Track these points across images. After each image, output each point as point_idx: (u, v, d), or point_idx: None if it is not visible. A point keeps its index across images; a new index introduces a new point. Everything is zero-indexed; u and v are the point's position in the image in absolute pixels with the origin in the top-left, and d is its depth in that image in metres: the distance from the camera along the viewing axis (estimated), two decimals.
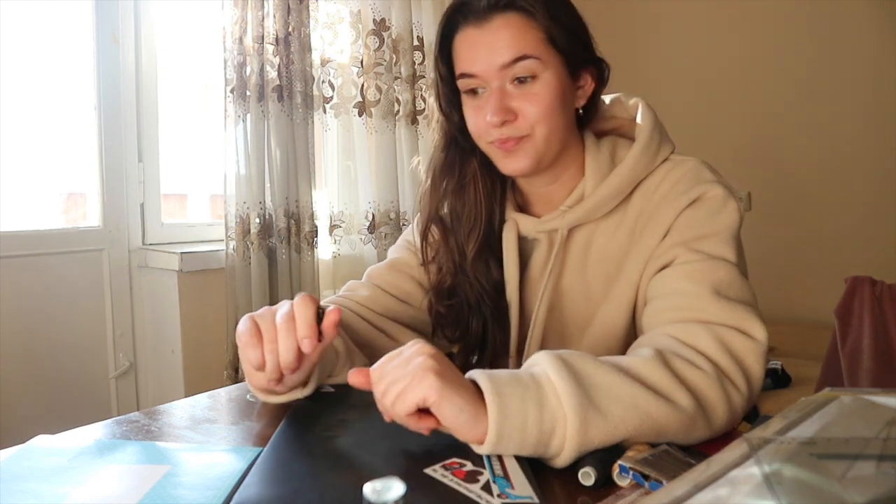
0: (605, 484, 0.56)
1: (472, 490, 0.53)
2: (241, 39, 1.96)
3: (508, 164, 0.87)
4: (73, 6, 1.88)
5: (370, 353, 0.87)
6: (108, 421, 0.75)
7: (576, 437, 0.57)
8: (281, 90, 2.03)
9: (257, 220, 2.00)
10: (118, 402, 1.96)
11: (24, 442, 0.66)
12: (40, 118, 1.84)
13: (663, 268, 0.81)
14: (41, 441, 0.66)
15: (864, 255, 2.42)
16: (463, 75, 0.85)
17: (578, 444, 0.58)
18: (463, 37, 0.85)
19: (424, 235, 0.96)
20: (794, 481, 0.38)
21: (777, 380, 2.27)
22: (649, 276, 0.83)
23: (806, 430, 0.45)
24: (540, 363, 0.62)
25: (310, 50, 2.12)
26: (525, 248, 0.94)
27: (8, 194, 1.75)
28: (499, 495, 0.52)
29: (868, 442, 0.42)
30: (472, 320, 0.95)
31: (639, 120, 0.91)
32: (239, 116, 1.96)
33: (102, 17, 1.90)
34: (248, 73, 1.97)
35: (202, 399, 0.86)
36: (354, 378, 0.64)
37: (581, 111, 0.91)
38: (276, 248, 2.04)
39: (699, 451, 0.63)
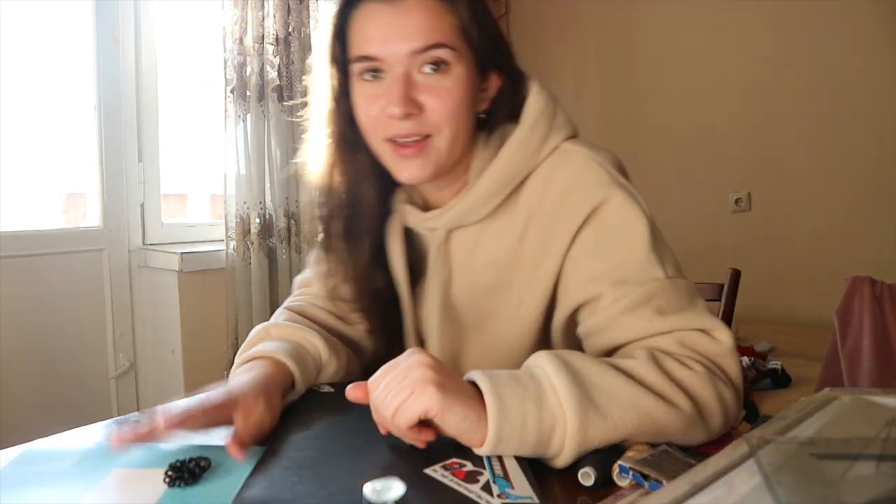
0: (605, 484, 0.56)
1: (472, 490, 0.53)
2: (241, 39, 1.96)
3: (404, 171, 0.77)
4: (73, 6, 1.88)
5: (353, 347, 0.89)
6: (109, 421, 0.75)
7: (575, 436, 0.57)
8: (281, 90, 2.03)
9: (257, 220, 2.00)
10: (118, 402, 1.96)
11: (24, 442, 0.66)
12: (40, 118, 1.85)
13: (585, 303, 0.74)
14: (40, 444, 0.66)
15: (864, 255, 2.42)
16: (362, 58, 0.75)
17: (578, 444, 0.57)
18: (367, 13, 0.74)
19: (325, 248, 0.88)
20: (794, 481, 0.38)
21: (777, 380, 2.27)
22: (567, 309, 0.76)
23: (806, 430, 0.45)
24: (539, 363, 0.62)
25: (310, 50, 2.12)
26: (420, 244, 0.87)
27: (8, 194, 1.75)
28: (499, 495, 0.52)
29: (868, 442, 0.42)
30: (374, 321, 0.89)
31: (527, 102, 0.80)
32: (239, 116, 1.97)
33: (102, 17, 1.90)
34: (248, 73, 1.97)
35: None
36: (353, 393, 0.63)
37: (481, 115, 0.81)
38: (276, 248, 2.05)
39: (699, 451, 0.62)
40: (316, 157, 0.84)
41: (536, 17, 3.22)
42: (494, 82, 0.80)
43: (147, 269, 1.98)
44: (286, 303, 0.93)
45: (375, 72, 0.75)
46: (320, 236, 0.88)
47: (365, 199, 0.83)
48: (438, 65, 0.73)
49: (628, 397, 0.60)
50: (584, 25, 3.12)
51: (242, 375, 0.72)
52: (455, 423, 0.58)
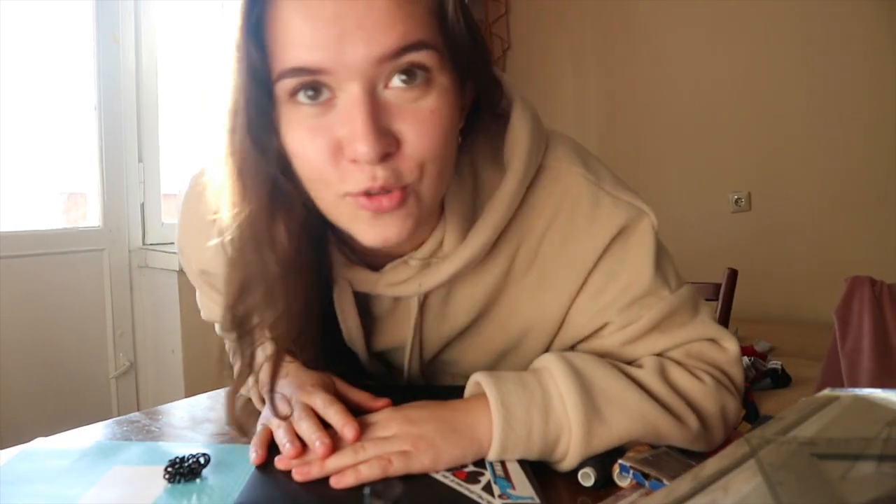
0: (606, 484, 0.56)
1: (473, 491, 0.53)
2: None
3: (373, 232, 0.55)
4: (73, 6, 1.88)
5: None
6: (109, 421, 0.75)
7: (580, 446, 0.57)
8: None
9: None
10: (118, 402, 1.96)
11: (24, 442, 0.66)
12: (41, 118, 1.85)
13: (590, 333, 0.67)
14: (40, 444, 0.66)
15: (864, 255, 2.42)
16: (296, 70, 0.50)
17: (582, 453, 0.57)
18: (297, 3, 0.50)
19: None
20: (794, 481, 0.38)
21: (777, 380, 2.27)
22: (568, 341, 0.69)
23: (806, 430, 0.45)
24: (548, 366, 0.60)
25: None
26: (364, 299, 0.69)
27: (8, 194, 1.75)
28: (500, 496, 0.52)
29: (868, 442, 0.42)
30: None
31: (512, 132, 0.63)
32: None
33: (103, 18, 1.90)
34: None
35: (203, 399, 0.86)
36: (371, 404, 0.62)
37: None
38: None
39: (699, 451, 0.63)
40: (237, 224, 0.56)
41: (536, 18, 3.22)
42: (470, 93, 0.60)
43: (147, 269, 1.98)
44: None
45: (316, 90, 0.51)
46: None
47: (301, 276, 0.59)
48: (415, 74, 0.51)
49: (635, 407, 0.58)
50: (584, 26, 3.12)
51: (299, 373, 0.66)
52: (457, 460, 0.56)
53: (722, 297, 1.29)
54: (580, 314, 0.67)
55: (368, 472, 0.52)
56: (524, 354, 0.70)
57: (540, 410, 0.57)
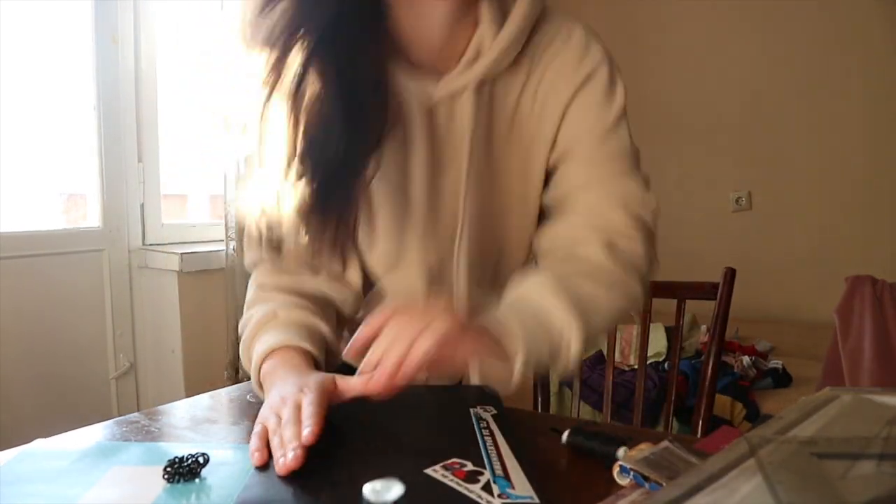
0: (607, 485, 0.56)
1: (473, 490, 0.53)
2: None
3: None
4: (72, 6, 1.88)
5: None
6: (109, 422, 0.75)
7: (578, 329, 0.69)
8: None
9: None
10: (118, 402, 1.96)
11: (24, 443, 0.66)
12: (40, 118, 1.85)
13: (561, 156, 0.81)
14: (40, 444, 0.66)
15: (864, 255, 2.42)
16: None
17: (581, 328, 0.69)
18: None
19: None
20: (794, 481, 0.38)
21: (777, 379, 2.27)
22: (544, 160, 0.82)
23: (806, 429, 0.45)
24: (539, 292, 0.71)
25: None
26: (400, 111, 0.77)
27: (8, 195, 1.75)
28: (499, 495, 0.52)
29: (868, 441, 0.42)
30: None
31: None
32: None
33: (102, 17, 1.90)
34: None
35: (202, 399, 0.86)
36: (358, 345, 0.64)
37: None
38: None
39: (699, 450, 0.62)
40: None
41: None
42: None
43: (147, 269, 1.98)
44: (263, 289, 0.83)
45: None
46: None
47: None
48: None
49: (606, 305, 0.74)
50: None
51: (306, 372, 0.70)
52: (470, 353, 0.65)
53: (720, 297, 1.29)
54: (566, 128, 0.80)
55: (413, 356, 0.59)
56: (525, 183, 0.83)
57: (543, 321, 0.69)
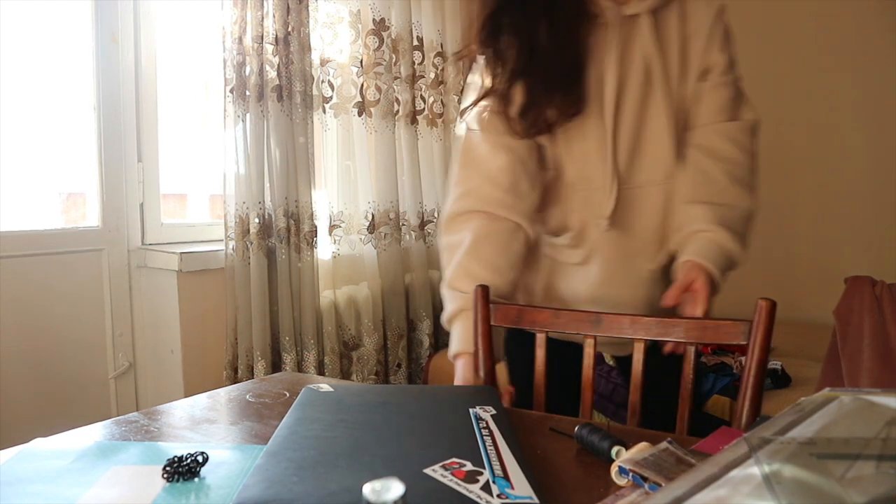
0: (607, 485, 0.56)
1: (472, 490, 0.53)
2: (240, 39, 1.96)
3: None
4: (72, 6, 1.88)
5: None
6: (108, 421, 0.75)
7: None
8: (280, 90, 2.03)
9: (257, 220, 2.00)
10: (118, 402, 1.96)
11: (24, 442, 0.66)
12: (40, 118, 1.84)
13: (702, 73, 1.12)
14: (39, 444, 0.66)
15: (864, 255, 2.42)
16: None
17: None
18: None
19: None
20: (794, 481, 0.38)
21: (777, 380, 2.27)
22: (694, 78, 1.12)
23: (806, 430, 0.45)
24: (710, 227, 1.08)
25: (309, 50, 2.12)
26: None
27: (8, 194, 1.75)
28: (498, 495, 0.52)
29: (868, 442, 0.42)
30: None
31: None
32: (238, 116, 1.96)
33: (102, 17, 1.90)
34: (247, 73, 1.97)
35: (202, 399, 0.86)
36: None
37: None
38: (276, 248, 2.04)
39: (699, 450, 0.62)
40: None
41: None
42: None
43: (146, 269, 1.98)
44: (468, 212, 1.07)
45: None
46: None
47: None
48: None
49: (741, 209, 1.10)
50: None
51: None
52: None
53: (758, 337, 1.26)
54: (702, 54, 1.14)
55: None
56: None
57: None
